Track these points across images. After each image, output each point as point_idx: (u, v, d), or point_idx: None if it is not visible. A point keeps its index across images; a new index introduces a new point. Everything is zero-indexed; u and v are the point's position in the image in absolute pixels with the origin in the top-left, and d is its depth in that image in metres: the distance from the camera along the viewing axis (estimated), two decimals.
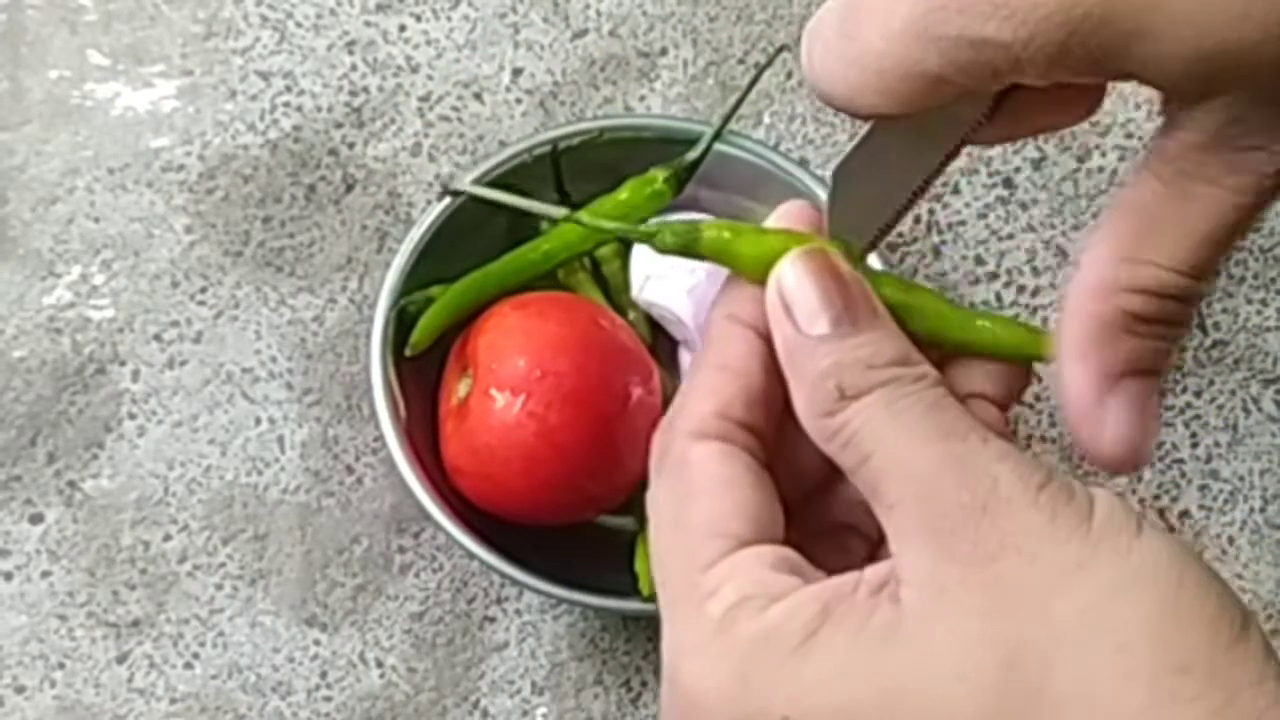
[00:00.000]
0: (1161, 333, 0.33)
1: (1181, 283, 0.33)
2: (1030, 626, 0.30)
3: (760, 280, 0.35)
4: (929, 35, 0.32)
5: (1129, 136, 0.65)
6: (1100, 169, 0.65)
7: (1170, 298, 0.33)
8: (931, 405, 0.33)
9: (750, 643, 0.32)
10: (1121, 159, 0.65)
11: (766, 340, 0.35)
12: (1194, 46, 0.30)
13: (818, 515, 0.38)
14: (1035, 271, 0.64)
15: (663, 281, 0.56)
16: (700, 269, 0.56)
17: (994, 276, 0.64)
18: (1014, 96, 0.34)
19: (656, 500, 0.36)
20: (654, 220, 0.59)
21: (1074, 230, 0.64)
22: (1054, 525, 0.30)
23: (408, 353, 0.55)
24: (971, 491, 0.31)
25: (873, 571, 0.32)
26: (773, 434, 0.36)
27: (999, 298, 0.64)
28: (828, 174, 0.38)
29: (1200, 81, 0.31)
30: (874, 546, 0.38)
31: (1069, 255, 0.64)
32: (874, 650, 0.31)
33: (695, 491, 0.34)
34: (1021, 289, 0.64)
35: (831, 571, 0.34)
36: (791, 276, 0.34)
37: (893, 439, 0.32)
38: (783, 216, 0.38)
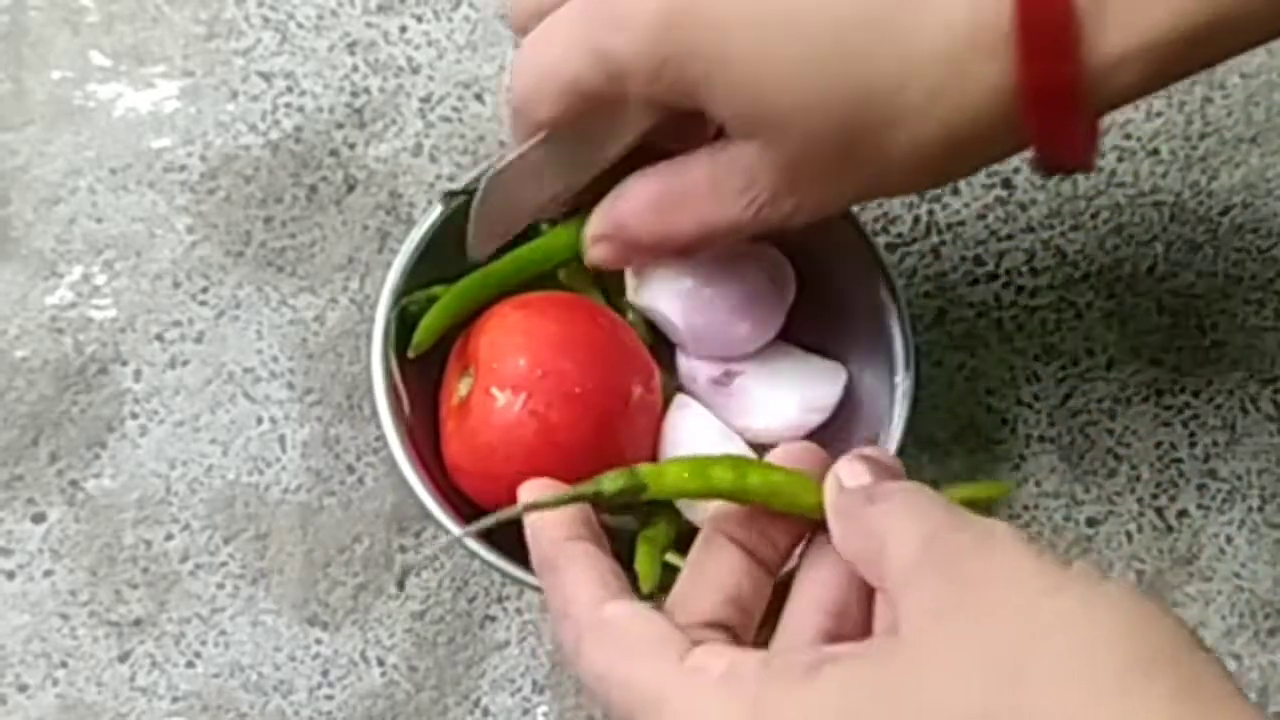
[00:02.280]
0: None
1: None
2: (1014, 628, 0.33)
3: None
4: (578, 45, 0.41)
5: (1127, 137, 0.65)
6: (1098, 169, 0.65)
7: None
8: (935, 497, 0.39)
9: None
10: (1120, 159, 0.65)
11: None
12: (742, 102, 0.41)
13: None
14: (1034, 272, 0.64)
15: (655, 286, 0.57)
16: (693, 272, 0.56)
17: (993, 277, 0.64)
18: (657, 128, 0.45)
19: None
20: None
21: (1073, 230, 0.64)
22: (1039, 561, 0.34)
23: (410, 354, 0.55)
24: (975, 533, 0.35)
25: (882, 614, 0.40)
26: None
27: (998, 298, 0.64)
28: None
29: (745, 126, 0.42)
30: None
31: (1067, 256, 0.64)
32: (878, 668, 0.34)
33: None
34: (1020, 289, 0.64)
35: None
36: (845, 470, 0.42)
37: (904, 517, 0.37)
38: (784, 457, 0.44)
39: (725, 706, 0.35)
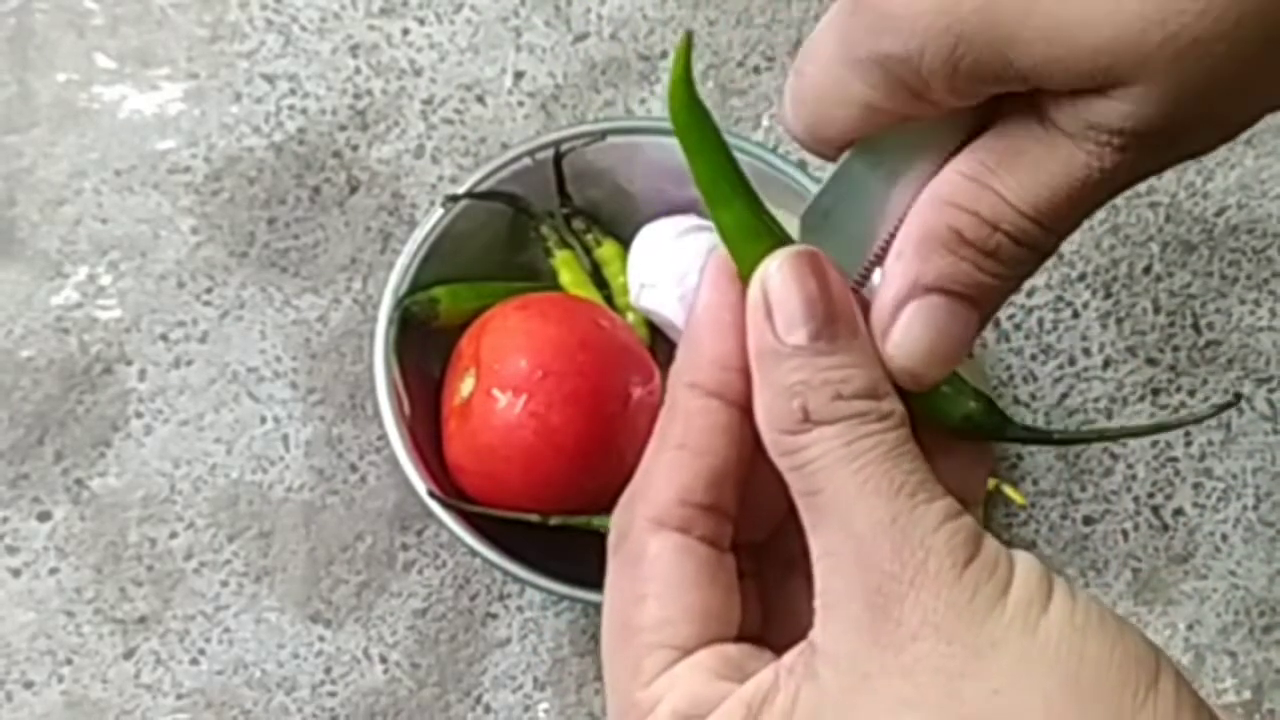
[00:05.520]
0: (985, 264, 0.32)
1: (1017, 220, 0.32)
2: (942, 714, 0.30)
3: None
4: (848, 60, 0.32)
5: None
6: None
7: (1003, 232, 0.32)
8: (889, 451, 0.32)
9: None
10: None
11: (732, 407, 0.34)
12: (1081, 45, 0.29)
13: (787, 546, 0.37)
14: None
15: (657, 290, 0.57)
16: (692, 276, 0.56)
17: None
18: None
19: (610, 588, 0.35)
20: (650, 225, 0.60)
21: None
22: (973, 604, 0.30)
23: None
24: (903, 563, 0.31)
25: (790, 658, 0.32)
26: (737, 503, 0.35)
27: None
28: (827, 175, 0.35)
29: (1091, 78, 0.30)
30: None
31: (1064, 256, 0.65)
32: None
33: (646, 593, 0.34)
34: (1018, 289, 0.64)
35: (800, 611, 0.34)
36: (778, 277, 0.33)
37: (843, 482, 0.32)
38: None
39: None
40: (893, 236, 0.34)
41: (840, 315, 0.33)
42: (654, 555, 0.34)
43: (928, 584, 0.30)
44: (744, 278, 0.33)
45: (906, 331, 0.33)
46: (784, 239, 0.34)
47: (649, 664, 0.33)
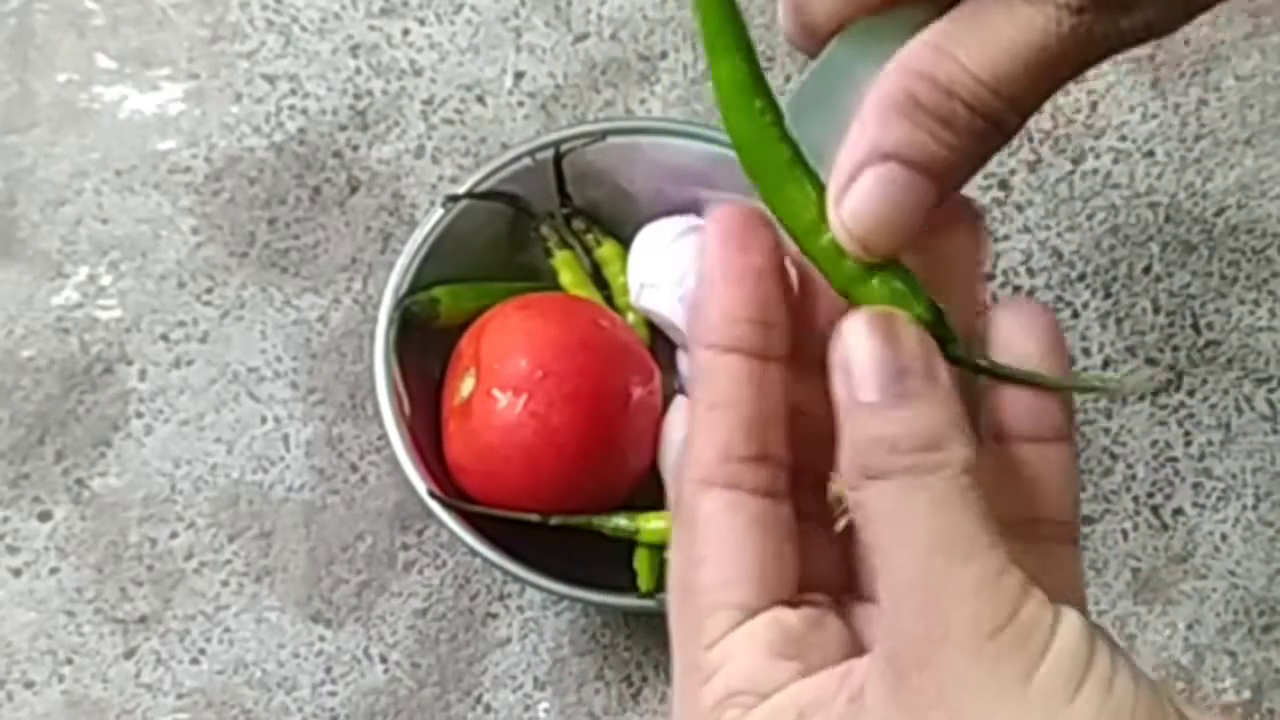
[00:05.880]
0: (938, 132, 0.32)
1: (973, 87, 0.32)
2: None
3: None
4: None
5: (1123, 139, 0.66)
6: (1094, 171, 0.65)
7: (959, 100, 0.32)
8: (934, 504, 0.31)
9: None
10: (1115, 161, 0.65)
11: (750, 359, 0.34)
12: None
13: None
14: (1031, 272, 0.65)
15: (657, 290, 0.57)
16: (692, 276, 0.56)
17: (990, 277, 0.64)
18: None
19: (672, 550, 0.35)
20: (650, 225, 0.60)
21: (1069, 232, 0.65)
22: (994, 678, 0.29)
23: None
24: (928, 625, 0.30)
25: (855, 677, 0.32)
26: (785, 444, 0.35)
27: (995, 299, 0.64)
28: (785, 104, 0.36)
29: None
30: None
31: (1064, 256, 0.65)
32: None
33: (704, 555, 0.34)
34: (1017, 289, 0.64)
35: None
36: (851, 339, 0.33)
37: (890, 537, 0.31)
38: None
39: None
40: None
41: (912, 370, 0.33)
42: (706, 515, 0.34)
43: (947, 652, 0.30)
44: (732, 135, 0.34)
45: (860, 199, 0.32)
46: (773, 102, 0.34)
47: (710, 625, 0.33)
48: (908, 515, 0.31)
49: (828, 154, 0.34)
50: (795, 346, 0.34)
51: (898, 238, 0.33)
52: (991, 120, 0.32)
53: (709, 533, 0.34)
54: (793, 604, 0.33)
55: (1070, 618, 0.30)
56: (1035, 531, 0.34)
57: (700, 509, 0.34)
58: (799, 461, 0.35)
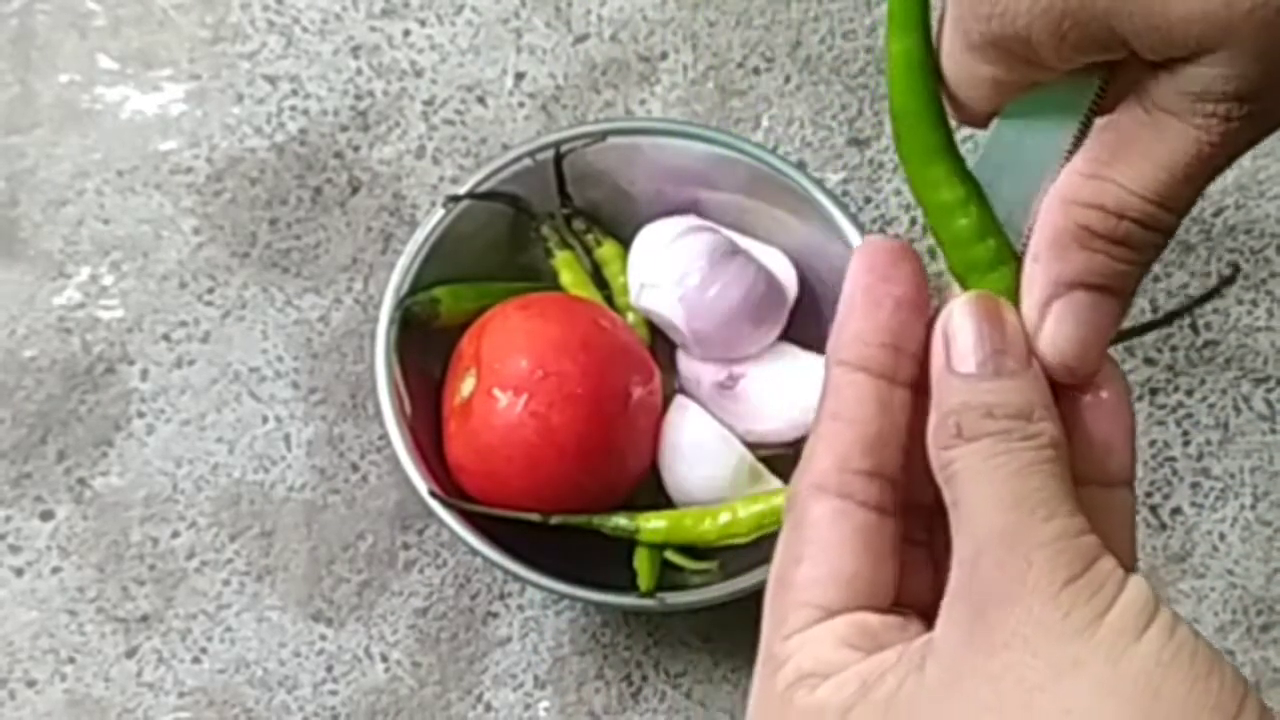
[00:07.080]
0: (1117, 253, 0.34)
1: (1142, 206, 0.34)
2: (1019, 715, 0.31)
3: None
4: (968, 45, 0.35)
5: None
6: None
7: (1130, 220, 0.34)
8: (1021, 468, 0.34)
9: (800, 717, 0.34)
10: None
11: (878, 380, 0.36)
12: (1173, 14, 0.31)
13: None
14: None
15: (657, 290, 0.57)
16: (692, 276, 0.57)
17: None
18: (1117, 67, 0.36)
19: (778, 546, 0.37)
20: (650, 225, 0.60)
21: None
22: (1065, 623, 0.31)
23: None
24: (1006, 573, 0.32)
25: (915, 645, 0.34)
26: (900, 466, 0.37)
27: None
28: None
29: (1184, 45, 0.32)
30: None
31: None
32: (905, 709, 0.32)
33: (802, 554, 0.36)
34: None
35: None
36: (958, 315, 0.36)
37: (974, 492, 0.34)
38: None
39: None
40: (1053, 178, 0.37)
41: (1009, 350, 0.35)
42: (814, 519, 0.36)
43: (1024, 596, 0.32)
44: (894, 108, 0.36)
45: (1056, 329, 0.35)
46: (937, 90, 0.36)
47: (792, 619, 0.35)
48: (997, 473, 0.33)
49: (1014, 216, 0.37)
50: (925, 379, 0.37)
51: (1099, 354, 0.36)
52: (1164, 231, 0.34)
53: (812, 534, 0.36)
54: (880, 611, 0.35)
55: (1138, 579, 0.33)
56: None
57: (810, 512, 0.36)
58: (914, 488, 0.37)
